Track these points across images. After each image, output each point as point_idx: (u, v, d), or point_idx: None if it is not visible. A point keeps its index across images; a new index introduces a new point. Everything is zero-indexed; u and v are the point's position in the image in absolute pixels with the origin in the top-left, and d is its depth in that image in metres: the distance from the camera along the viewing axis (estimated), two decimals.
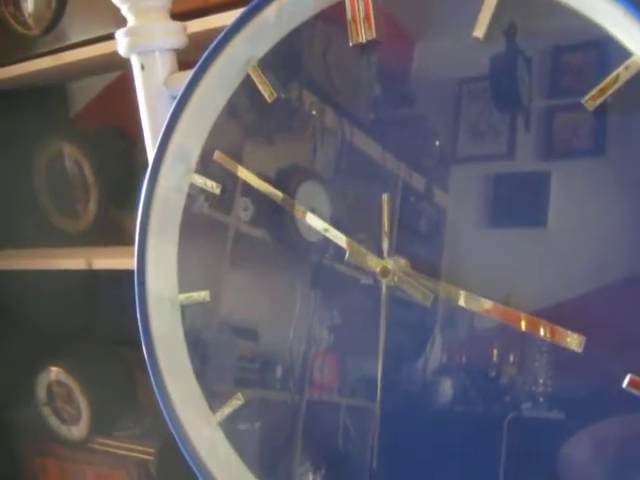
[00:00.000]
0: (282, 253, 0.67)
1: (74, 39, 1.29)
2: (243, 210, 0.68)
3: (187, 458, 0.67)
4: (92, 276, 1.50)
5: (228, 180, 0.66)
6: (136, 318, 0.70)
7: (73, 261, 1.38)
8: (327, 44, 0.62)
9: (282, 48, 0.63)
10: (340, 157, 0.62)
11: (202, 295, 0.68)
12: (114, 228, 1.45)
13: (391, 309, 0.58)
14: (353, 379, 0.63)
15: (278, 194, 0.62)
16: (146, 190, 0.69)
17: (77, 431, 1.47)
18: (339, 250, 0.61)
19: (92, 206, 1.46)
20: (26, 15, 1.34)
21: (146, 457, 1.39)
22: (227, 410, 0.67)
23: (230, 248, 0.69)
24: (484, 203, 0.55)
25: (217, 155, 0.65)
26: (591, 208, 0.50)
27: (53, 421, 1.50)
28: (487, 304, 0.53)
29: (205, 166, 0.67)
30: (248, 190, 0.66)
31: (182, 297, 0.69)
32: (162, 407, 0.69)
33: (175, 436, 0.68)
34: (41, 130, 1.53)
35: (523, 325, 0.52)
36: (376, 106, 0.60)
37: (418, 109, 0.58)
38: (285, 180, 0.64)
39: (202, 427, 0.68)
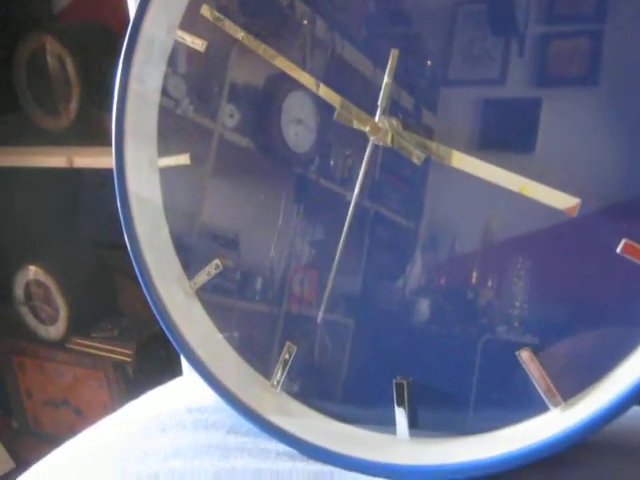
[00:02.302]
0: (267, 163, 0.65)
1: None
2: (229, 117, 0.66)
3: (164, 328, 0.66)
4: (74, 176, 1.47)
5: (215, 38, 0.63)
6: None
7: (54, 159, 1.36)
8: None
9: None
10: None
11: (181, 159, 0.65)
12: (96, 127, 1.41)
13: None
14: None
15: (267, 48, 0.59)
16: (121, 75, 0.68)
17: (55, 331, 1.46)
18: (324, 163, 0.60)
19: (74, 104, 1.42)
20: None
21: (123, 358, 1.40)
22: (204, 277, 0.66)
23: (213, 155, 0.67)
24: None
25: (204, 9, 0.61)
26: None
27: (31, 320, 1.49)
28: (480, 164, 0.51)
29: (190, 23, 0.64)
30: (235, 95, 0.64)
31: (162, 162, 0.66)
32: (140, 278, 0.67)
33: (152, 306, 0.66)
34: (23, 24, 1.47)
35: (516, 187, 0.50)
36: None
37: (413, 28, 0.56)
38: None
39: (178, 295, 0.66)
